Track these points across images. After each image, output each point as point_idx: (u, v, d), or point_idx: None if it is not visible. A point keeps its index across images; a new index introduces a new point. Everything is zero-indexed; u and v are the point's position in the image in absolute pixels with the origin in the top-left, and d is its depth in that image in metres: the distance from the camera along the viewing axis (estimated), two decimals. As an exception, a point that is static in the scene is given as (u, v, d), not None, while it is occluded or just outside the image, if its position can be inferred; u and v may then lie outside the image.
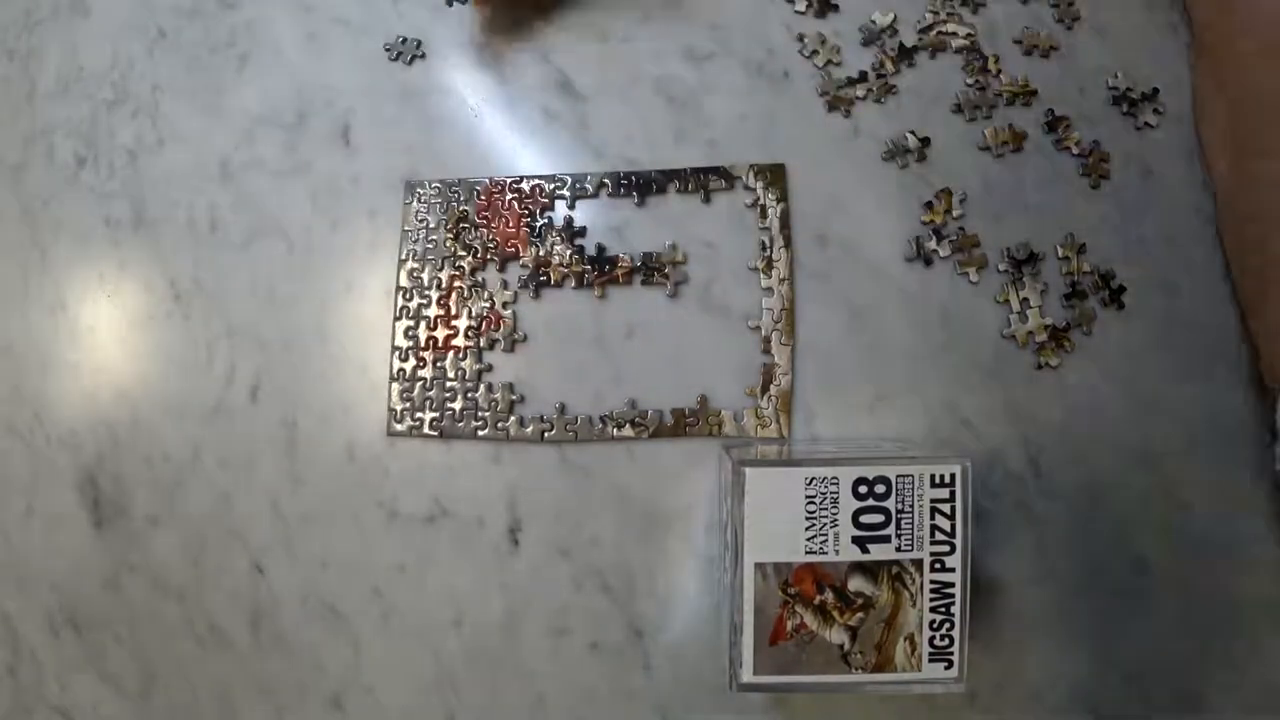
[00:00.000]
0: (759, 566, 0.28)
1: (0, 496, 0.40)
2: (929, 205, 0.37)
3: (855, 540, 0.28)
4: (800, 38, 0.39)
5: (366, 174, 0.40)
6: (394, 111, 0.41)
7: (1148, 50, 0.38)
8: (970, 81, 0.38)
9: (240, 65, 0.42)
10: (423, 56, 0.41)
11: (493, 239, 0.39)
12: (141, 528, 0.39)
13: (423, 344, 0.38)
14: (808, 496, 0.28)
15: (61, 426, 0.40)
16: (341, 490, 0.38)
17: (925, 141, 0.38)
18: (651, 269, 0.38)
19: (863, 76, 0.38)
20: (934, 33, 0.39)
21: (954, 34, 0.39)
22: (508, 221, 0.39)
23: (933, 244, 0.37)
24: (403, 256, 0.39)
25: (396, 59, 0.41)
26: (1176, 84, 0.38)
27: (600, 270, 0.38)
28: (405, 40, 0.41)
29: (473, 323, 0.38)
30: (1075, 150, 0.37)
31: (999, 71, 0.38)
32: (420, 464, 0.38)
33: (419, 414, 0.38)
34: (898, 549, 0.28)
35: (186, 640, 0.38)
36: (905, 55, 0.39)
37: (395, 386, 0.38)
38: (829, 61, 0.39)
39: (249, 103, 0.41)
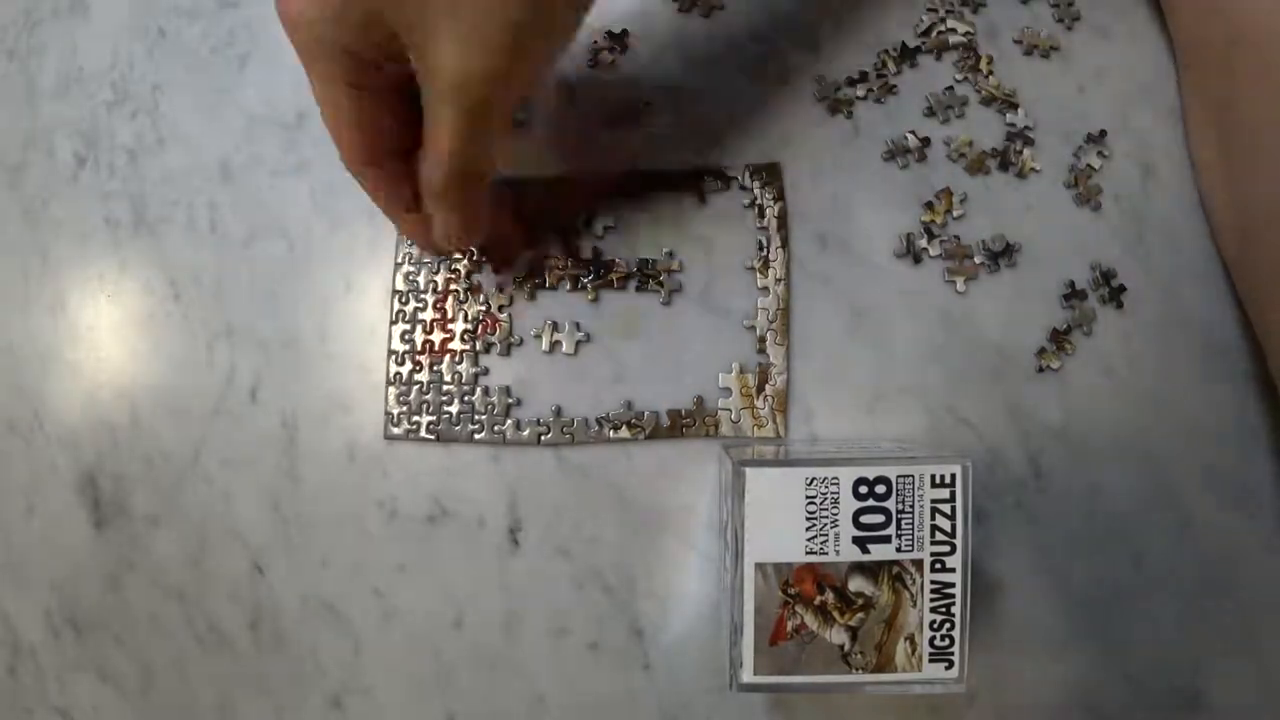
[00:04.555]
0: (759, 567, 0.28)
1: (0, 496, 0.40)
2: (929, 205, 0.37)
3: (855, 540, 0.28)
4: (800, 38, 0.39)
5: (366, 174, 0.40)
6: (394, 111, 0.40)
7: (1149, 50, 0.38)
8: (959, 78, 0.38)
9: (240, 65, 0.42)
10: (423, 56, 0.41)
11: None
12: (141, 528, 0.39)
13: (419, 347, 0.38)
14: (808, 497, 0.28)
15: (61, 426, 0.40)
16: (342, 490, 0.38)
17: (925, 141, 0.38)
18: (647, 275, 0.38)
19: (863, 76, 0.38)
20: (934, 34, 0.39)
21: (953, 30, 0.39)
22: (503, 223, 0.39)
23: (923, 242, 0.37)
24: (398, 260, 0.39)
25: (396, 59, 0.41)
26: (1178, 84, 0.38)
27: (595, 275, 0.38)
28: (405, 40, 0.41)
29: (469, 326, 0.38)
30: (1035, 168, 0.37)
31: (990, 73, 0.38)
32: (420, 464, 0.38)
33: (416, 417, 0.38)
34: (898, 549, 0.28)
35: (186, 640, 0.38)
36: (907, 56, 0.39)
37: (392, 390, 0.38)
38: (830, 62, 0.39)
39: (249, 103, 0.41)
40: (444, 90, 0.27)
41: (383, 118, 0.30)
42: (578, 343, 0.38)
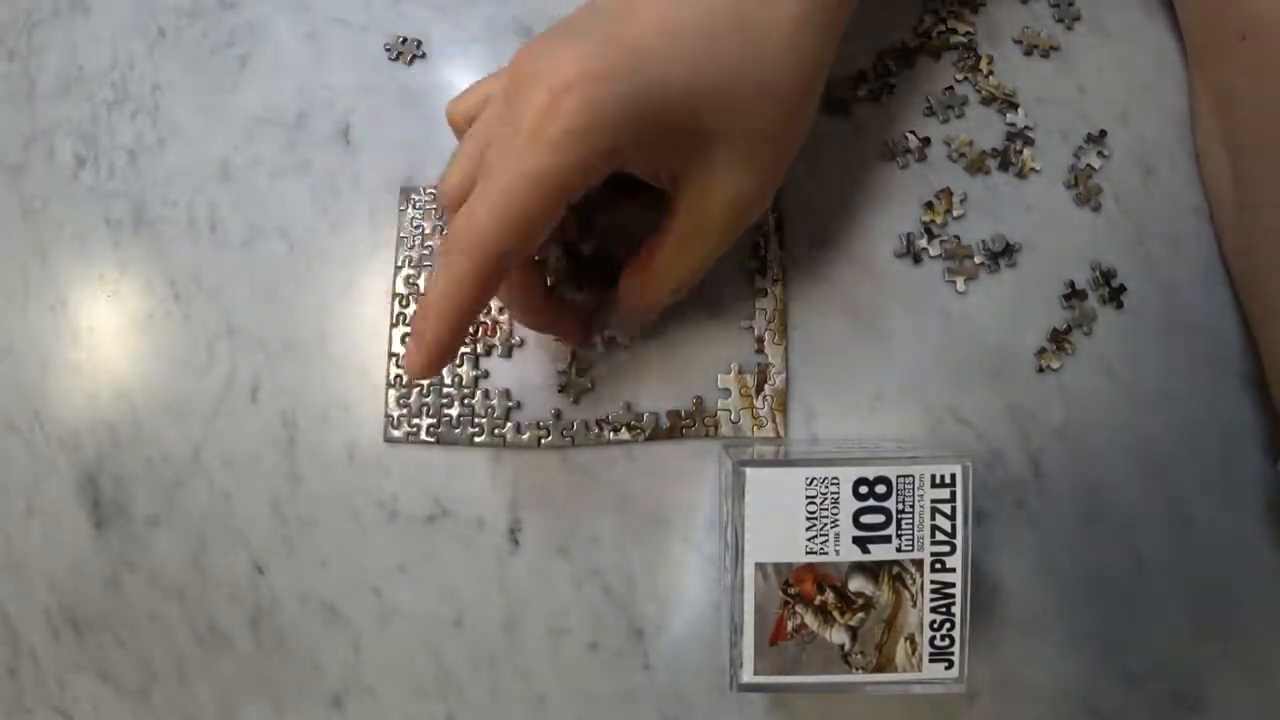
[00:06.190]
0: (759, 566, 0.28)
1: (0, 496, 0.40)
2: (929, 205, 0.37)
3: (856, 540, 0.28)
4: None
5: (367, 174, 0.40)
6: (394, 111, 0.41)
7: (1149, 50, 0.38)
8: (959, 78, 0.38)
9: (240, 65, 0.42)
10: (423, 56, 0.41)
11: None
12: (141, 528, 0.39)
13: None
14: (808, 497, 0.28)
15: (61, 426, 0.40)
16: (341, 490, 0.38)
17: (925, 141, 0.38)
18: None
19: (863, 76, 0.38)
20: (935, 34, 0.39)
21: (953, 30, 0.39)
22: None
23: (923, 242, 0.37)
24: (399, 263, 0.39)
25: (396, 59, 0.41)
26: (1177, 83, 0.38)
27: (595, 272, 0.38)
28: (405, 40, 0.41)
29: (469, 329, 0.38)
30: (1035, 168, 0.37)
31: (990, 73, 0.38)
32: (420, 464, 0.38)
33: (416, 420, 0.38)
34: (898, 549, 0.28)
35: (186, 640, 0.38)
36: (906, 56, 0.39)
37: (392, 393, 0.38)
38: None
39: (249, 103, 0.41)
40: (721, 213, 0.30)
41: (536, 278, 0.33)
42: (631, 338, 0.37)
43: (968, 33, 0.39)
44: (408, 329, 0.38)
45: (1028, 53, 0.38)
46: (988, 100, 0.38)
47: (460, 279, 0.27)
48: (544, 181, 0.26)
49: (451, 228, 0.27)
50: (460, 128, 0.31)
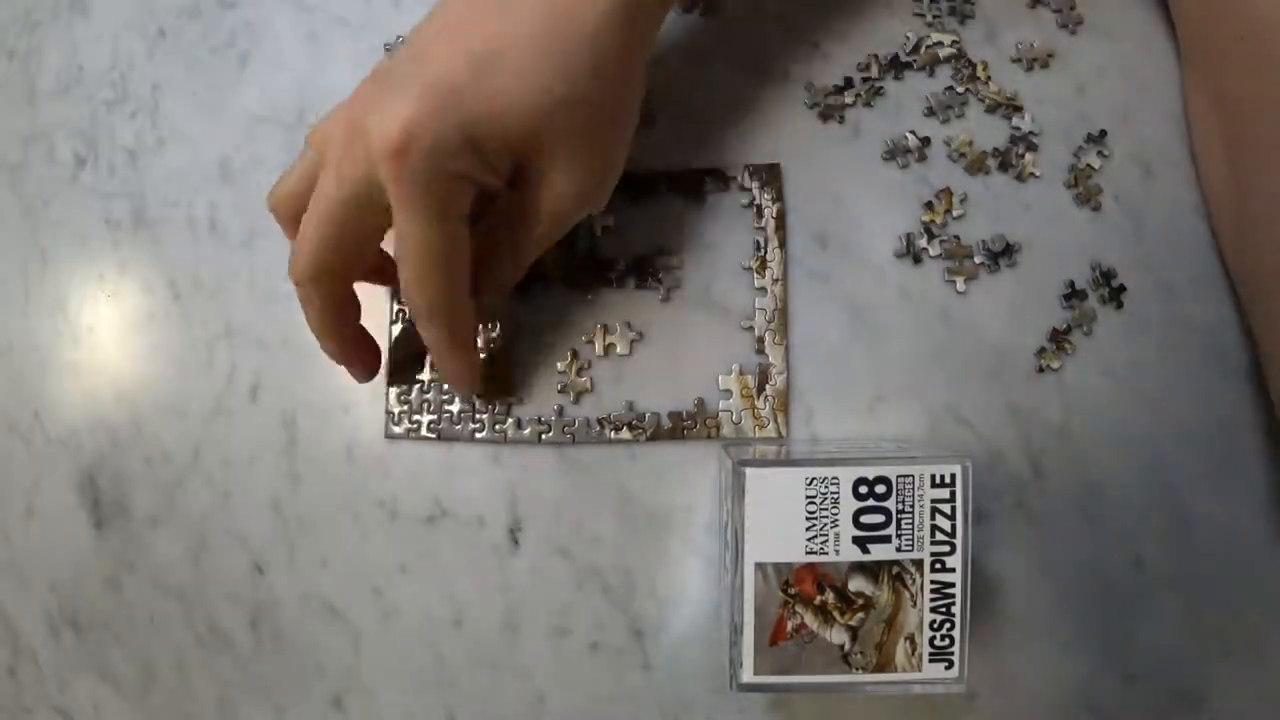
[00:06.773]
0: (759, 567, 0.28)
1: (0, 496, 0.40)
2: (929, 205, 0.37)
3: (856, 540, 0.28)
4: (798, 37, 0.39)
5: (366, 174, 0.40)
6: (394, 111, 0.40)
7: (1149, 50, 0.38)
8: (960, 90, 0.38)
9: (240, 65, 0.42)
10: (423, 56, 0.41)
11: None
12: (141, 528, 0.39)
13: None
14: (808, 497, 0.28)
15: (61, 426, 0.40)
16: (341, 490, 0.38)
17: (925, 141, 0.38)
18: (645, 273, 0.38)
19: (848, 84, 0.38)
20: (923, 50, 0.38)
21: (940, 44, 0.38)
22: None
23: (923, 242, 0.37)
24: (399, 261, 0.39)
25: (396, 59, 0.41)
26: (1177, 83, 0.38)
27: (593, 273, 0.38)
28: (405, 40, 0.41)
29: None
30: (1035, 173, 0.37)
31: (988, 78, 0.38)
32: (420, 464, 0.38)
33: (416, 416, 0.38)
34: (898, 549, 0.28)
35: (186, 640, 0.38)
36: (897, 66, 0.38)
37: (392, 390, 0.38)
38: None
39: (249, 103, 0.41)
40: (557, 206, 0.31)
41: (467, 253, 0.31)
42: (631, 343, 0.37)
43: (954, 42, 0.38)
44: (409, 325, 0.38)
45: (1028, 69, 0.38)
46: (992, 108, 0.38)
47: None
48: (434, 247, 0.29)
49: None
50: (286, 213, 0.33)
